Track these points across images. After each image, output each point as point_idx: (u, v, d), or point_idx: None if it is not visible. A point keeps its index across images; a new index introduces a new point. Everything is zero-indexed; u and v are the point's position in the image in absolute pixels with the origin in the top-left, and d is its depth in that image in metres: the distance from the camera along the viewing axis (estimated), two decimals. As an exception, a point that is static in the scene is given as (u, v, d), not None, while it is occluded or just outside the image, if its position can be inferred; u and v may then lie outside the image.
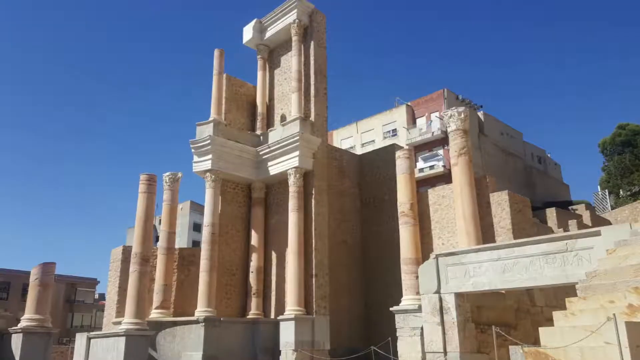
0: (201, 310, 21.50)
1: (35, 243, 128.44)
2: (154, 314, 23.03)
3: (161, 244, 24.50)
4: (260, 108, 27.20)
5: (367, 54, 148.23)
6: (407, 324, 18.60)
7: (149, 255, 22.38)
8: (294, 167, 23.63)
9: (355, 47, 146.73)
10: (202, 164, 23.98)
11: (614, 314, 7.90)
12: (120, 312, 23.61)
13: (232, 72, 33.31)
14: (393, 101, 49.54)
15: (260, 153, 25.25)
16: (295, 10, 25.73)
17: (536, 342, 10.31)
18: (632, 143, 49.63)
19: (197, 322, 20.99)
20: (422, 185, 34.63)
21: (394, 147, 26.37)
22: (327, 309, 22.52)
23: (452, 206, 20.80)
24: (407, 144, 41.34)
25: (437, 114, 42.80)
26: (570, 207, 40.33)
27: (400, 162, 21.70)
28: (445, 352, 14.95)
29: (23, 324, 20.74)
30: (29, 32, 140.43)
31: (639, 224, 11.74)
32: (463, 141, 19.82)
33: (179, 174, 25.73)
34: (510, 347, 10.75)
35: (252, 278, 24.29)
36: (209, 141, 23.76)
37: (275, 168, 24.67)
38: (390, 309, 19.64)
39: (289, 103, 25.88)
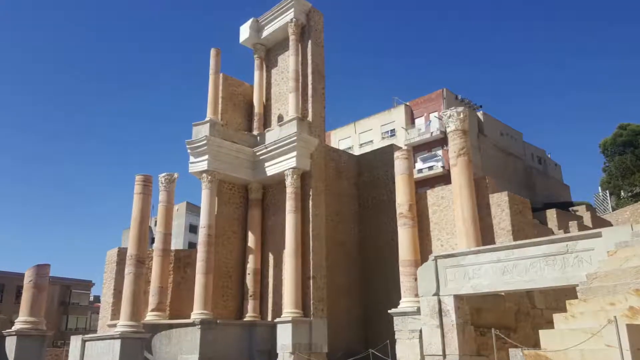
0: (197, 312, 21.30)
1: (30, 244, 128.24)
2: (150, 317, 22.80)
3: (157, 245, 24.29)
4: (257, 108, 26.98)
5: (365, 53, 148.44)
6: (405, 327, 18.41)
7: (144, 257, 22.17)
8: (291, 168, 23.42)
9: (354, 46, 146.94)
10: (199, 164, 23.78)
11: (615, 317, 7.84)
12: (115, 314, 23.36)
13: (229, 71, 33.06)
14: (391, 101, 49.46)
15: (257, 154, 25.04)
16: (293, 9, 25.51)
17: (536, 344, 10.22)
18: (633, 143, 49.51)
19: (193, 324, 20.79)
20: (421, 186, 34.43)
21: (392, 148, 26.14)
22: (325, 312, 22.30)
23: (451, 207, 20.57)
24: (405, 145, 41.24)
25: (436, 114, 42.67)
26: (570, 208, 40.20)
27: (399, 163, 21.49)
28: (444, 355, 14.79)
29: (17, 326, 20.55)
30: (26, 32, 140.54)
31: (641, 224, 11.57)
32: (462, 141, 19.59)
33: (175, 175, 25.51)
34: (510, 350, 10.63)
35: (249, 280, 24.08)
36: (205, 141, 23.56)
37: (272, 169, 24.46)
38: (389, 311, 19.44)
39: (286, 103, 25.67)
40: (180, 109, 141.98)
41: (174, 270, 24.57)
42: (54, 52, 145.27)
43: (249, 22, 27.47)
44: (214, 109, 24.84)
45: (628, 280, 9.23)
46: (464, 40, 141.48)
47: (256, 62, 27.70)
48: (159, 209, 25.18)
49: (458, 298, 14.84)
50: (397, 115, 46.26)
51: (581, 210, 37.76)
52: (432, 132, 42.97)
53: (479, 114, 46.87)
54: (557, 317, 9.43)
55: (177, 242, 55.62)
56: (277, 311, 22.73)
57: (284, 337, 21.00)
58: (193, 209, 59.33)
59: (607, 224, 33.55)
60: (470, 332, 15.01)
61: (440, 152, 42.27)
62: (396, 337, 18.42)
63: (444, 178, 37.46)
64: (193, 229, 58.33)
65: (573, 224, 29.96)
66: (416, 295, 17.39)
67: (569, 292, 12.63)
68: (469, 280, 14.46)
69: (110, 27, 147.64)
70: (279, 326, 21.43)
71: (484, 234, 18.83)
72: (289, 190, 23.26)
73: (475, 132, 42.98)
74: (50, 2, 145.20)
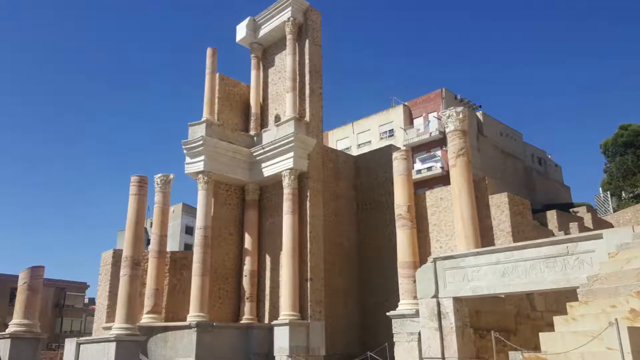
0: (193, 315, 21.14)
1: (24, 246, 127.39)
2: (145, 319, 22.63)
3: (152, 247, 24.12)
4: (254, 108, 26.78)
5: (363, 52, 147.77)
6: (404, 329, 18.27)
7: (140, 259, 22.03)
8: (288, 169, 23.22)
9: (352, 46, 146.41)
10: (195, 165, 23.59)
11: (616, 319, 7.80)
12: (110, 316, 23.22)
13: (226, 71, 32.81)
14: (390, 101, 49.27)
15: (254, 154, 24.85)
16: (290, 8, 25.31)
17: (536, 347, 10.11)
18: (634, 144, 49.19)
19: (189, 327, 20.63)
20: (420, 187, 34.26)
21: (390, 148, 25.97)
22: (323, 314, 22.10)
23: (450, 208, 20.40)
24: (404, 145, 41.05)
25: (435, 114, 42.46)
26: (571, 210, 39.97)
27: (397, 164, 21.34)
28: (443, 358, 14.62)
29: (11, 329, 20.48)
30: (25, 32, 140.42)
31: (643, 225, 11.40)
32: (461, 142, 19.41)
33: (171, 176, 25.36)
34: (509, 352, 10.49)
35: (246, 282, 23.88)
36: (201, 142, 23.38)
37: (269, 169, 24.27)
38: (387, 313, 19.30)
39: (283, 103, 25.47)
40: (176, 109, 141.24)
41: (169, 272, 24.38)
42: (47, 51, 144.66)
43: (246, 20, 27.26)
44: (210, 109, 24.66)
45: (629, 282, 9.09)
46: (463, 40, 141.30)
47: (253, 62, 27.49)
48: (155, 210, 25.04)
49: (457, 300, 14.64)
50: (395, 116, 46.03)
51: (582, 212, 37.56)
52: (431, 133, 42.76)
53: (479, 114, 46.66)
54: (557, 320, 9.32)
55: (173, 244, 55.44)
56: (274, 313, 22.56)
57: (281, 339, 20.81)
58: (189, 210, 59.11)
59: (608, 225, 33.40)
60: (470, 334, 14.80)
61: (439, 153, 42.06)
62: (395, 339, 18.29)
63: (443, 179, 37.26)
64: (189, 230, 58.14)
65: (574, 226, 29.81)
66: (415, 297, 17.20)
67: (570, 294, 12.47)
68: (468, 283, 14.28)
69: (107, 27, 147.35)
70: (276, 329, 21.24)
71: (484, 236, 18.68)
72: (286, 191, 23.05)
73: (474, 132, 42.79)
74: (50, 2, 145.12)
